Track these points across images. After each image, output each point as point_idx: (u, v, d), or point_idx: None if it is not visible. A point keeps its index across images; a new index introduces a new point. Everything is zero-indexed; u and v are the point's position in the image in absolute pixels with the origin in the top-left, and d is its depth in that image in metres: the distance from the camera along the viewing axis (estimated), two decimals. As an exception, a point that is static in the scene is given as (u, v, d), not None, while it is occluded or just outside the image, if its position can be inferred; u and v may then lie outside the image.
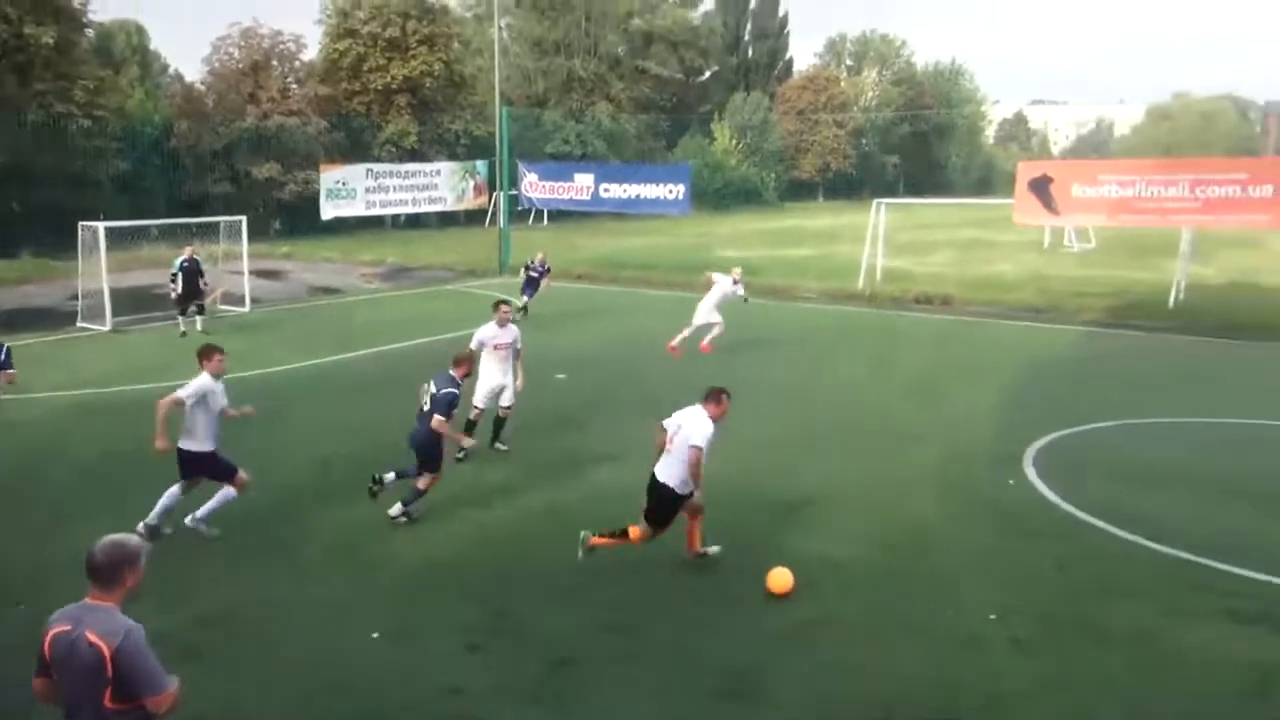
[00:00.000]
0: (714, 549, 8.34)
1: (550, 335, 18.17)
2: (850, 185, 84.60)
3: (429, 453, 9.03)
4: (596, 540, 8.19)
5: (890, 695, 6.31)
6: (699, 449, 7.78)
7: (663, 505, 8.04)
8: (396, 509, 9.08)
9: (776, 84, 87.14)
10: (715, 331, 17.34)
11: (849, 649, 6.94)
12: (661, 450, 8.06)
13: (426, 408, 9.00)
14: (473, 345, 11.10)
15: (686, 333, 17.35)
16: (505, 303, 11.62)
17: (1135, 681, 6.57)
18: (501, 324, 11.19)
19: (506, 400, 11.24)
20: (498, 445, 11.32)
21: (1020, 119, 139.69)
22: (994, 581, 8.07)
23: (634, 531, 8.14)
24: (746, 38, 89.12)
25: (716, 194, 66.23)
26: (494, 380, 11.14)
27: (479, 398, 11.13)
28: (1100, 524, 9.30)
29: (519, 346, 11.32)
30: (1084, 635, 7.17)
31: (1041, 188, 23.47)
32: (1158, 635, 7.17)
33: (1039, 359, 17.63)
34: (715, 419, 7.96)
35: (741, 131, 76.41)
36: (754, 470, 10.72)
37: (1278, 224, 21.64)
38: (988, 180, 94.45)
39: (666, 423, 8.13)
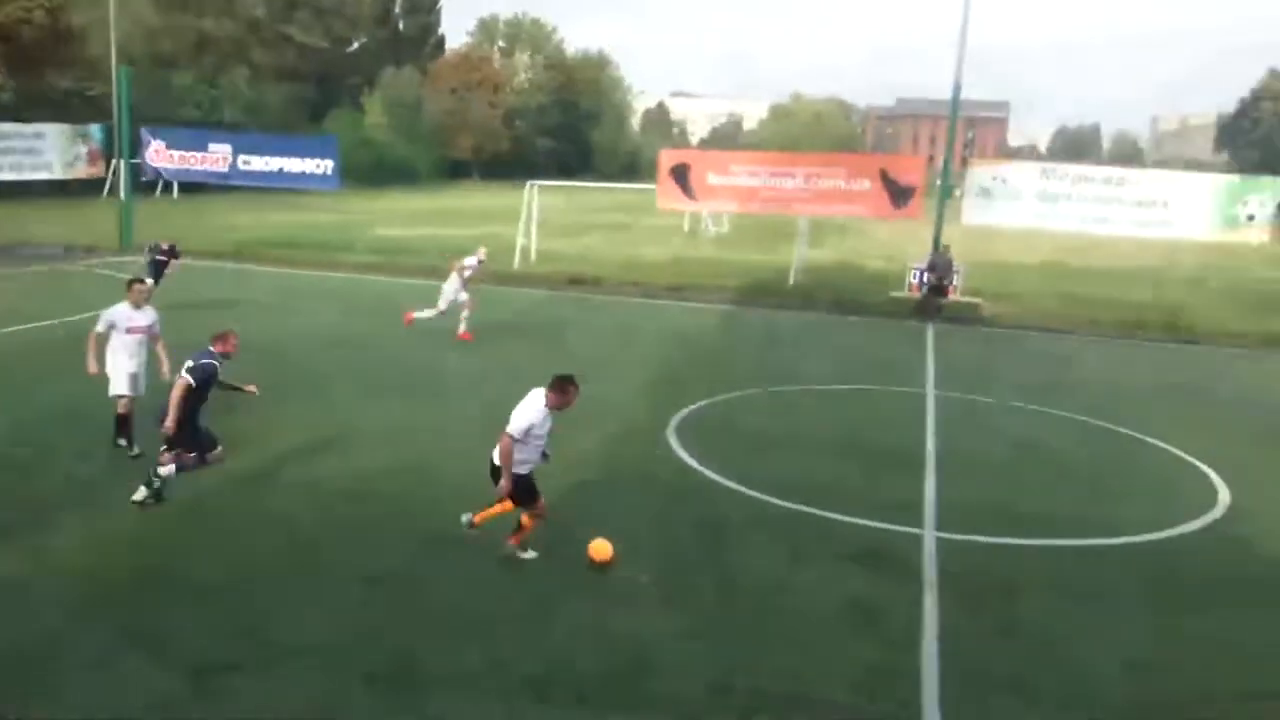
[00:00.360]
0: (530, 554, 8.11)
1: (185, 318, 16.71)
2: (506, 166, 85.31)
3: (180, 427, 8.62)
4: (515, 539, 8.05)
5: (548, 662, 6.53)
6: (509, 437, 7.60)
7: (518, 489, 7.83)
8: (141, 493, 8.71)
9: (429, 61, 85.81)
10: (431, 315, 17.16)
11: (507, 623, 7.08)
12: None
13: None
14: (100, 328, 9.99)
15: (431, 313, 17.11)
16: (140, 281, 10.57)
17: (766, 625, 7.27)
18: (136, 305, 10.18)
19: (139, 389, 10.27)
20: (120, 441, 10.26)
21: (662, 109, 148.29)
22: (643, 544, 8.58)
23: (525, 520, 8.04)
24: (397, 10, 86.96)
25: (370, 170, 64.13)
26: (131, 367, 10.12)
27: (121, 386, 10.06)
28: (733, 485, 10.18)
29: (157, 329, 10.38)
30: (722, 587, 7.83)
31: (681, 175, 25.11)
32: (784, 582, 7.98)
33: (681, 335, 18.90)
34: (554, 407, 7.82)
35: (394, 107, 74.48)
36: (416, 456, 10.60)
37: (873, 213, 24.73)
38: (635, 166, 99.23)
39: None
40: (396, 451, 10.69)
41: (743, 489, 10.07)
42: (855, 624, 7.35)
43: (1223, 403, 15.72)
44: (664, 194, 25.35)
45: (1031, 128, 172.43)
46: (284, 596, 7.29)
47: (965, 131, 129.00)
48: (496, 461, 7.79)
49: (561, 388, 7.84)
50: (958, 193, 27.12)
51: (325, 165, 27.17)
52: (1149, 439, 12.81)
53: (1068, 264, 34.61)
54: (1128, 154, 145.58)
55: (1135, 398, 15.34)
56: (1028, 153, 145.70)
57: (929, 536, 9.07)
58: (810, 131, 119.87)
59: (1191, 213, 22.63)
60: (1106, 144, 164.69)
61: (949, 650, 6.94)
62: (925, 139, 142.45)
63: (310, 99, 67.96)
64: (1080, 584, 8.32)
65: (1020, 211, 23.45)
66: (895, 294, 23.42)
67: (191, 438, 8.79)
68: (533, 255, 27.68)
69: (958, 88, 24.25)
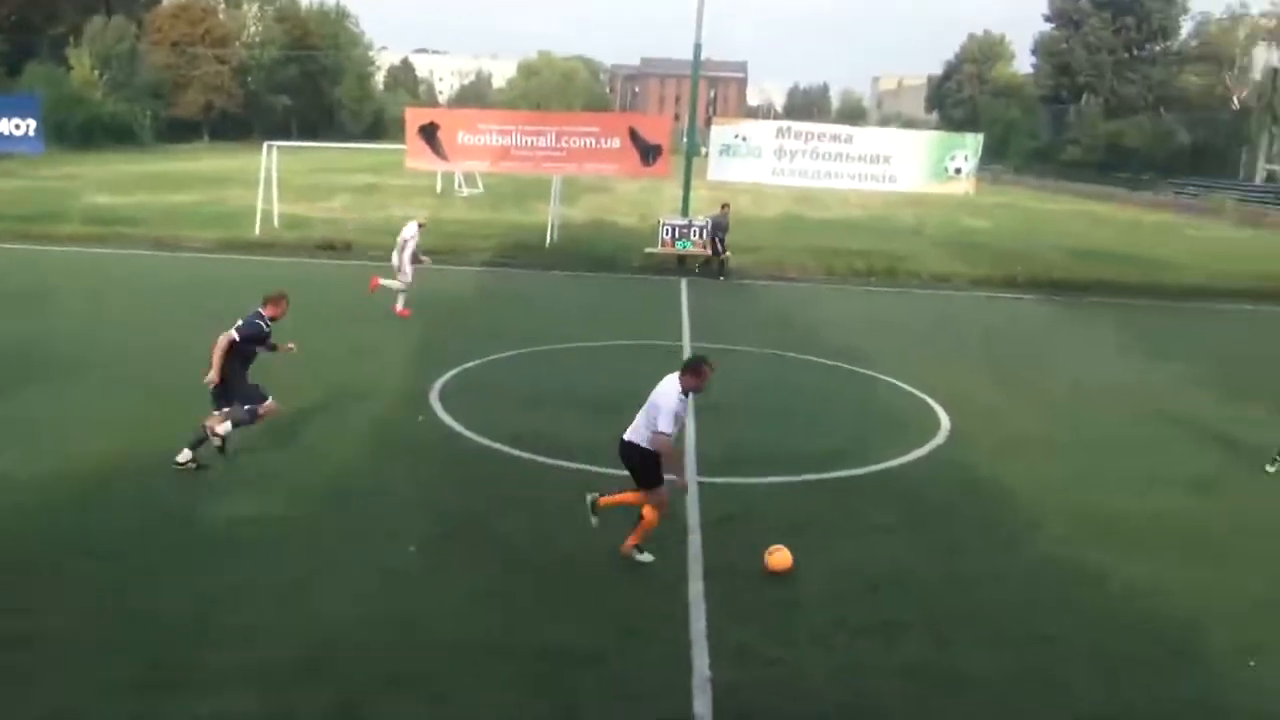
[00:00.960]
0: (646, 557, 7.70)
1: None
2: (239, 126, 79.98)
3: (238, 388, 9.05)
4: (606, 500, 7.76)
5: (319, 645, 6.31)
6: (666, 436, 7.29)
7: (644, 466, 7.50)
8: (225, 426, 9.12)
9: (145, 11, 78.53)
10: (400, 288, 16.58)
11: (275, 608, 6.77)
12: None
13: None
14: None
15: (400, 289, 16.58)
16: None
17: (538, 583, 7.36)
18: None
19: None
20: None
21: (407, 66, 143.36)
22: (411, 515, 8.44)
23: (646, 509, 7.63)
24: (101, -47, 78.64)
25: (80, 131, 58.07)
26: None
27: None
28: (501, 446, 10.19)
29: None
30: (497, 550, 7.85)
31: (430, 135, 24.47)
32: (554, 538, 8.09)
33: (441, 298, 18.52)
34: (691, 389, 7.51)
35: (105, 61, 67.74)
36: (164, 439, 9.85)
37: (624, 171, 25.20)
38: (380, 125, 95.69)
39: None
40: (133, 435, 9.88)
41: (510, 450, 10.09)
42: (624, 573, 7.58)
43: (940, 339, 17.38)
44: (413, 154, 24.64)
45: (768, 87, 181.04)
46: (35, 593, 6.61)
47: (708, 91, 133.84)
48: (629, 438, 7.56)
49: (696, 370, 7.53)
50: (704, 150, 28.11)
51: (26, 125, 24.40)
52: (882, 376, 13.96)
53: (804, 216, 36.87)
54: (853, 112, 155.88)
55: (868, 339, 16.61)
56: (765, 111, 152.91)
57: (691, 482, 9.47)
58: (560, 90, 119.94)
59: (909, 167, 24.65)
60: (835, 103, 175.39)
61: (714, 589, 7.31)
62: (670, 98, 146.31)
63: (3, 51, 60.40)
64: (832, 513, 8.99)
65: (760, 168, 24.64)
66: (649, 250, 24.03)
67: (244, 393, 9.08)
68: (275, 221, 26.16)
69: (699, 48, 25.04)
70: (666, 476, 7.59)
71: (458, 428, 10.78)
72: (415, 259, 16.73)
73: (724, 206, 23.19)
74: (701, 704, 5.91)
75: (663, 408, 7.33)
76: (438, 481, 9.30)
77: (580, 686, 6.06)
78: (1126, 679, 6.44)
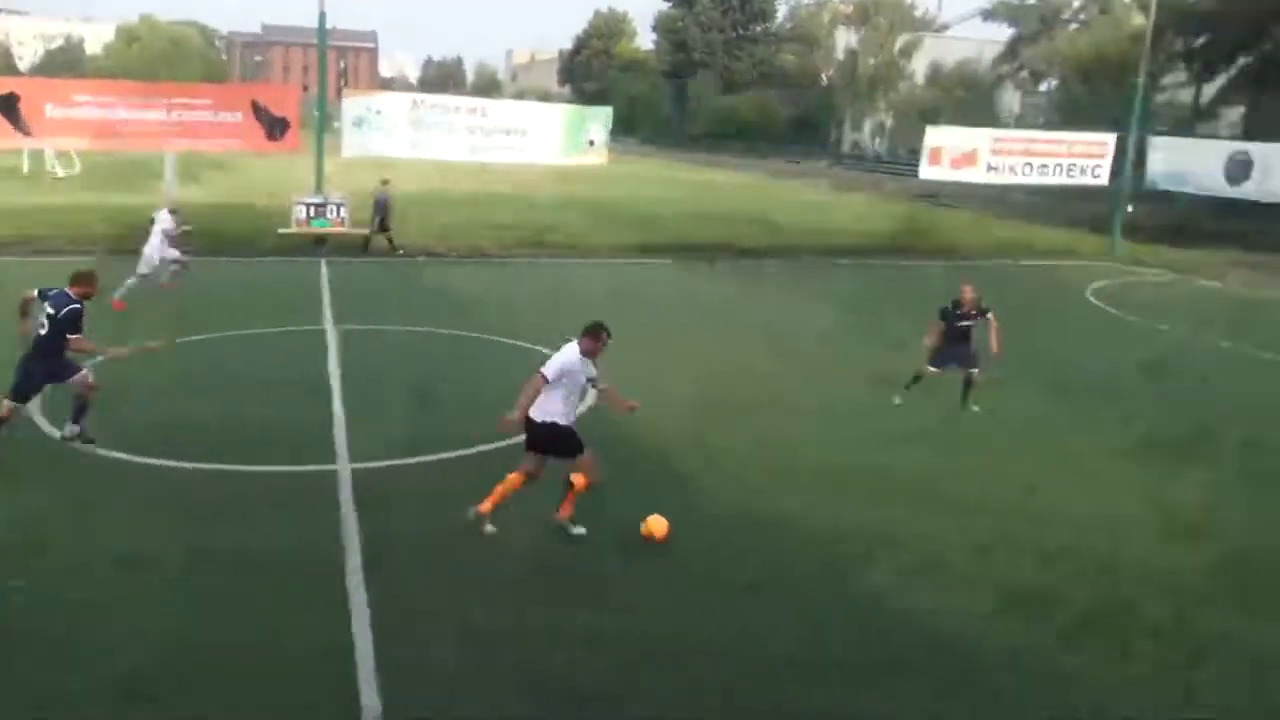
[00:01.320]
0: (489, 528, 7.83)
1: None
2: None
3: (61, 371, 9.03)
4: (567, 510, 7.94)
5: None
6: (540, 377, 7.57)
7: (563, 439, 7.79)
8: (69, 429, 9.29)
9: None
10: (174, 269, 16.36)
11: None
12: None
13: (45, 331, 8.80)
14: None
15: (132, 281, 15.63)
16: None
17: (182, 598, 6.81)
18: None
19: None
20: None
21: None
22: (30, 547, 7.43)
23: (577, 480, 7.86)
24: None
25: None
26: None
27: None
28: (126, 456, 9.28)
29: None
30: (125, 570, 7.15)
31: (9, 107, 21.37)
32: (200, 548, 7.48)
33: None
34: (586, 353, 7.78)
35: None
36: None
37: (248, 146, 23.52)
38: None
39: None
40: None
41: (139, 459, 9.17)
42: (284, 572, 7.19)
43: (593, 305, 17.94)
44: (-7, 130, 21.35)
45: (400, 59, 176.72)
46: None
47: (337, 61, 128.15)
48: (538, 418, 7.68)
49: (594, 334, 7.89)
50: (336, 124, 26.90)
51: None
52: (534, 346, 14.20)
53: (448, 191, 36.57)
54: (489, 85, 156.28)
55: (521, 311, 16.87)
56: (400, 83, 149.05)
57: (344, 470, 9.17)
58: (168, 58, 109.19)
59: (546, 139, 25.19)
60: (470, 75, 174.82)
61: (374, 577, 7.13)
62: (297, 68, 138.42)
63: None
64: (489, 485, 9.01)
65: (397, 142, 24.04)
66: (283, 231, 22.68)
67: (57, 369, 9.04)
68: None
69: (323, 16, 23.81)
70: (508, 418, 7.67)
71: (73, 441, 9.59)
72: (174, 246, 16.27)
73: (384, 182, 22.62)
74: (369, 694, 5.78)
75: (554, 358, 7.73)
76: (55, 505, 8.23)
77: (235, 683, 5.69)
78: (829, 625, 6.91)
